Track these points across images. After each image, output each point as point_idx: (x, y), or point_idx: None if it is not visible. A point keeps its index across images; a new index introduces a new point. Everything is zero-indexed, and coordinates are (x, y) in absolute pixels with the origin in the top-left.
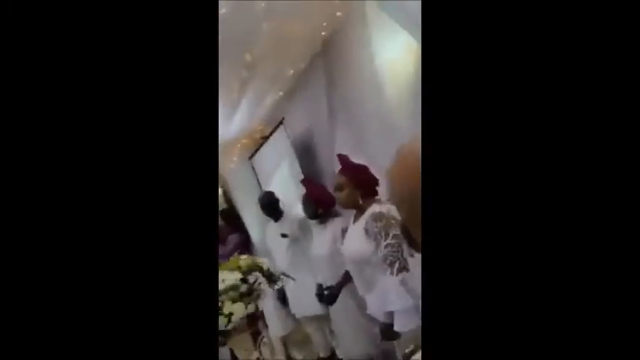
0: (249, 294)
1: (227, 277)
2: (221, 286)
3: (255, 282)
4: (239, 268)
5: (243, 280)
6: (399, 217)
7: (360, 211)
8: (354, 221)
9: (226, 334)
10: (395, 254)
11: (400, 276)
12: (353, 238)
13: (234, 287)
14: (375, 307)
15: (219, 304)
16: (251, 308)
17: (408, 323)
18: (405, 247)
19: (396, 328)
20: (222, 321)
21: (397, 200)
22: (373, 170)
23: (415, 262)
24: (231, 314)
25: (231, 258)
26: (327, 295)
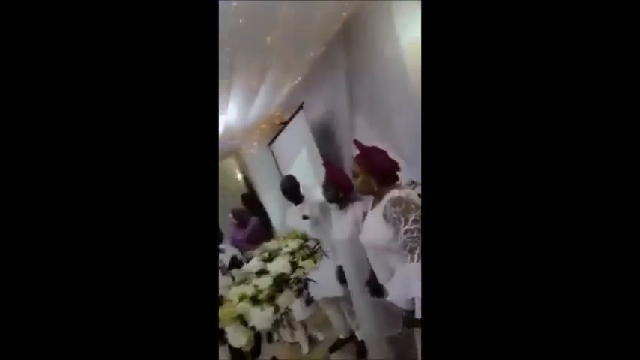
0: (313, 254)
1: (290, 244)
2: (287, 249)
3: (315, 246)
4: (297, 236)
5: (306, 246)
6: (418, 202)
7: (378, 196)
8: (373, 207)
9: (302, 287)
10: (415, 240)
11: (422, 262)
12: (372, 225)
13: (301, 247)
14: (397, 294)
15: (294, 260)
16: (317, 266)
17: None
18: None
19: (418, 314)
20: (299, 272)
21: None
22: (395, 153)
23: None
24: (303, 267)
25: (288, 232)
26: (372, 291)
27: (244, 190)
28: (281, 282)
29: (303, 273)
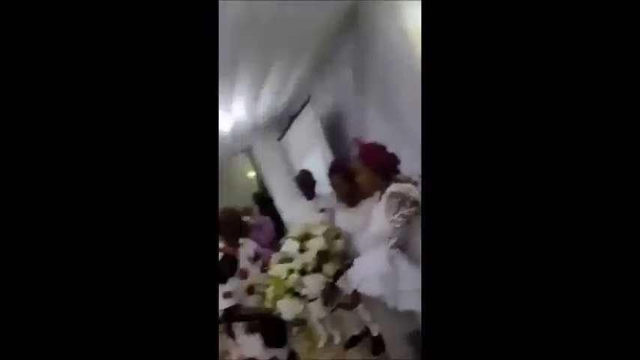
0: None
1: (319, 228)
2: (317, 232)
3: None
4: (322, 224)
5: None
6: (415, 197)
7: (382, 191)
8: (378, 202)
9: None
10: (397, 230)
11: (393, 252)
12: (376, 218)
13: (329, 231)
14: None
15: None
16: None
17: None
18: (413, 226)
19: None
20: (339, 246)
21: None
22: (400, 144)
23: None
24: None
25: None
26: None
27: (256, 188)
28: (324, 254)
29: (342, 248)
